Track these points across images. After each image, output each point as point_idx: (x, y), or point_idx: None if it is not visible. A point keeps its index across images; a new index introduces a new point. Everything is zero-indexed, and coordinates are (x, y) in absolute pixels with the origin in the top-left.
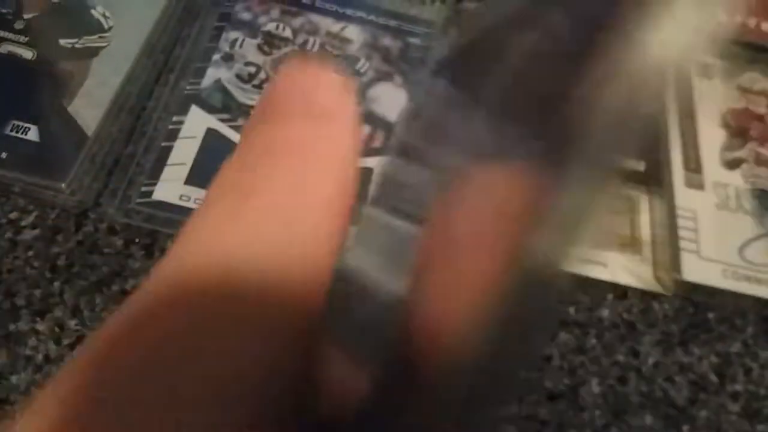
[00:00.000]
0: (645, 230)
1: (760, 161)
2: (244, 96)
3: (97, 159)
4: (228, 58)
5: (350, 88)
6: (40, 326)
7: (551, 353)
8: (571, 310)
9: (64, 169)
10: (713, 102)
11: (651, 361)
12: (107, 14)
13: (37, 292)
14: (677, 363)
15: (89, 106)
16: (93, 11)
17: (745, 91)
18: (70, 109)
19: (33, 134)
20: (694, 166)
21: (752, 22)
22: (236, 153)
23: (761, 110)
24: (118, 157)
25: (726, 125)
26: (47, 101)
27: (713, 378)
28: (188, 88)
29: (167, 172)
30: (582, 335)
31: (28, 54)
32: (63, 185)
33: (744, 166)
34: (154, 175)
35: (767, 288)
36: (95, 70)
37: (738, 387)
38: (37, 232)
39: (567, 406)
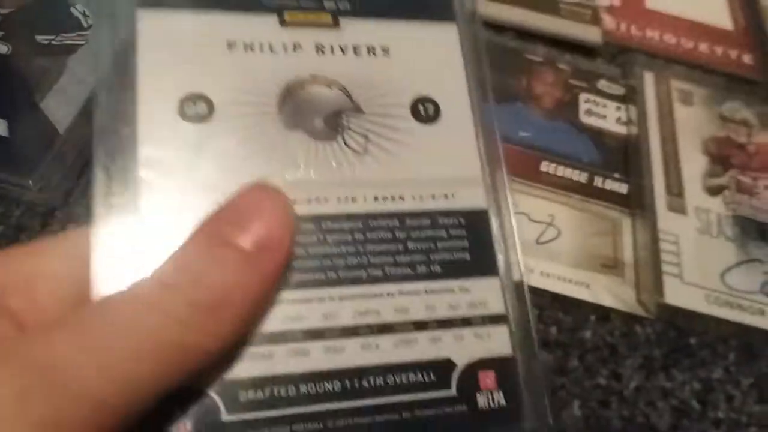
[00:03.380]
0: (627, 252)
1: (741, 189)
2: None
3: (68, 157)
4: None
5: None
6: None
7: None
8: (553, 330)
9: (32, 166)
10: (695, 129)
11: (633, 385)
12: (87, 13)
13: None
14: (659, 388)
15: (63, 103)
16: (73, 9)
17: (726, 120)
18: (42, 105)
19: (2, 129)
20: (676, 190)
21: (734, 53)
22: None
23: (742, 139)
24: (90, 156)
25: (708, 152)
26: (19, 96)
27: (695, 404)
28: None
29: None
30: (564, 356)
31: (2, 48)
32: (30, 182)
33: (726, 192)
34: None
35: (749, 315)
36: (71, 67)
37: (720, 414)
38: (0, 229)
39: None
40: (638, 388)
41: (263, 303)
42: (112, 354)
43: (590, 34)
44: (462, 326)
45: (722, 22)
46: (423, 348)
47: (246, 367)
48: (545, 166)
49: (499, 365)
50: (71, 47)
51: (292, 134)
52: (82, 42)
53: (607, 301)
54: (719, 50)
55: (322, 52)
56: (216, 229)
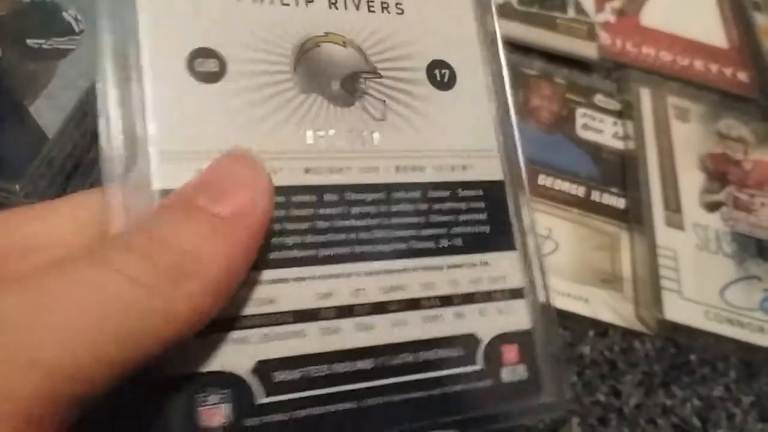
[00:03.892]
0: (626, 267)
1: (738, 205)
2: None
3: (55, 162)
4: None
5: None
6: None
7: None
8: None
9: (19, 170)
10: (692, 145)
11: (633, 402)
12: (79, 17)
13: None
14: (660, 405)
15: (52, 108)
16: (65, 14)
17: (722, 136)
18: (31, 109)
19: None
20: (674, 206)
21: (729, 71)
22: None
23: (738, 156)
24: (79, 161)
25: (704, 168)
26: (8, 100)
27: (696, 422)
28: None
29: None
30: None
31: None
32: (17, 186)
33: (723, 209)
34: None
35: (749, 332)
36: (62, 72)
37: None
38: None
39: None
40: (638, 405)
41: (237, 271)
42: (70, 316)
43: (586, 49)
44: (484, 301)
45: (717, 41)
46: (449, 324)
47: (279, 347)
48: (543, 180)
49: (521, 339)
50: (62, 52)
51: (308, 98)
52: (74, 46)
53: (606, 316)
54: (714, 68)
55: (335, 6)
56: (187, 196)
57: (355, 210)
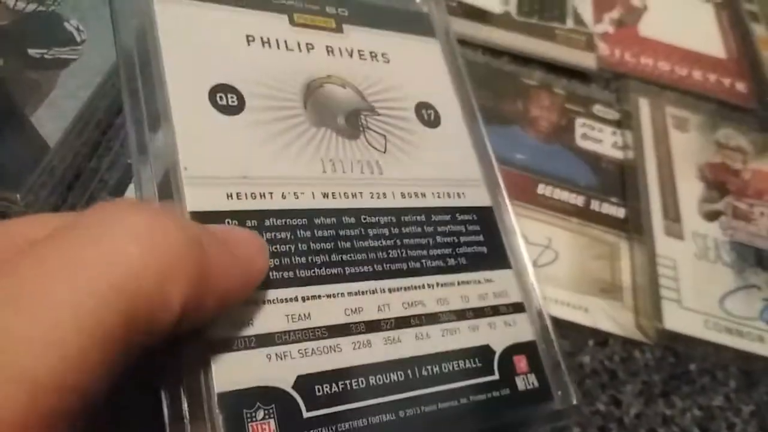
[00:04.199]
0: (625, 276)
1: (737, 215)
2: None
3: (56, 172)
4: None
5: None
6: None
7: None
8: None
9: (20, 180)
10: (690, 154)
11: (633, 411)
12: (81, 28)
13: None
14: (660, 414)
15: (54, 117)
16: (66, 24)
17: (721, 146)
18: (32, 118)
19: None
20: (673, 215)
21: (727, 81)
22: None
23: (737, 165)
24: (80, 171)
25: (703, 178)
26: (8, 109)
27: None
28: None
29: (132, 190)
30: None
31: None
32: (18, 196)
33: (722, 218)
34: (118, 192)
35: (748, 341)
36: (63, 81)
37: None
38: None
39: None
40: (638, 414)
41: (232, 298)
42: (44, 302)
43: (585, 59)
44: (493, 315)
45: (715, 51)
46: (466, 336)
47: (317, 361)
48: (542, 189)
49: (528, 349)
50: (64, 61)
51: (319, 131)
52: (75, 56)
53: (605, 325)
54: (713, 78)
55: (332, 53)
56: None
57: (371, 231)
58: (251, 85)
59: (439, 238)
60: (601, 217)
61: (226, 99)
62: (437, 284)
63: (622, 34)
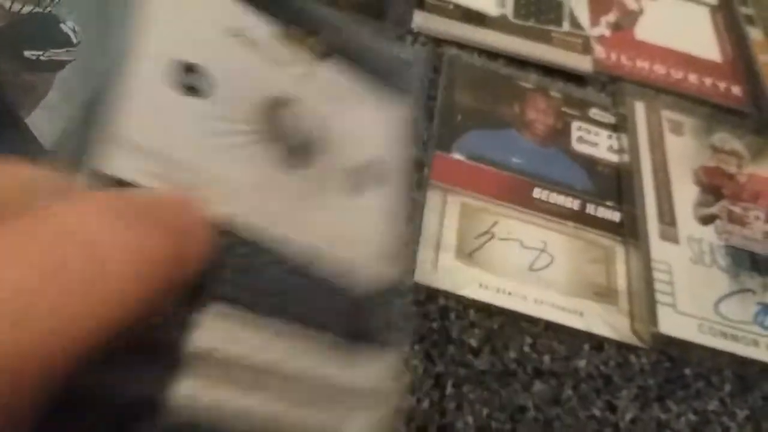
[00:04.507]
0: (621, 280)
1: (732, 219)
2: None
3: None
4: None
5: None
6: None
7: (526, 404)
8: (547, 358)
9: None
10: (686, 158)
11: (628, 416)
12: (77, 29)
13: None
14: (655, 419)
15: (49, 119)
16: (62, 25)
17: (716, 150)
18: (28, 120)
19: None
20: (668, 219)
21: (722, 85)
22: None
23: (732, 169)
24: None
25: (699, 182)
26: (4, 111)
27: None
28: None
29: None
30: (558, 386)
31: None
32: None
33: (717, 222)
34: None
35: (743, 345)
36: (59, 83)
37: None
38: None
39: None
40: (633, 419)
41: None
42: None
43: (581, 62)
44: None
45: (711, 54)
46: None
47: None
48: (538, 193)
49: None
50: (60, 63)
51: (272, 145)
52: (71, 58)
53: (600, 329)
54: (708, 81)
55: (309, 80)
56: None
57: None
58: (222, 73)
59: None
60: (597, 221)
61: (195, 78)
62: None
63: (618, 38)
